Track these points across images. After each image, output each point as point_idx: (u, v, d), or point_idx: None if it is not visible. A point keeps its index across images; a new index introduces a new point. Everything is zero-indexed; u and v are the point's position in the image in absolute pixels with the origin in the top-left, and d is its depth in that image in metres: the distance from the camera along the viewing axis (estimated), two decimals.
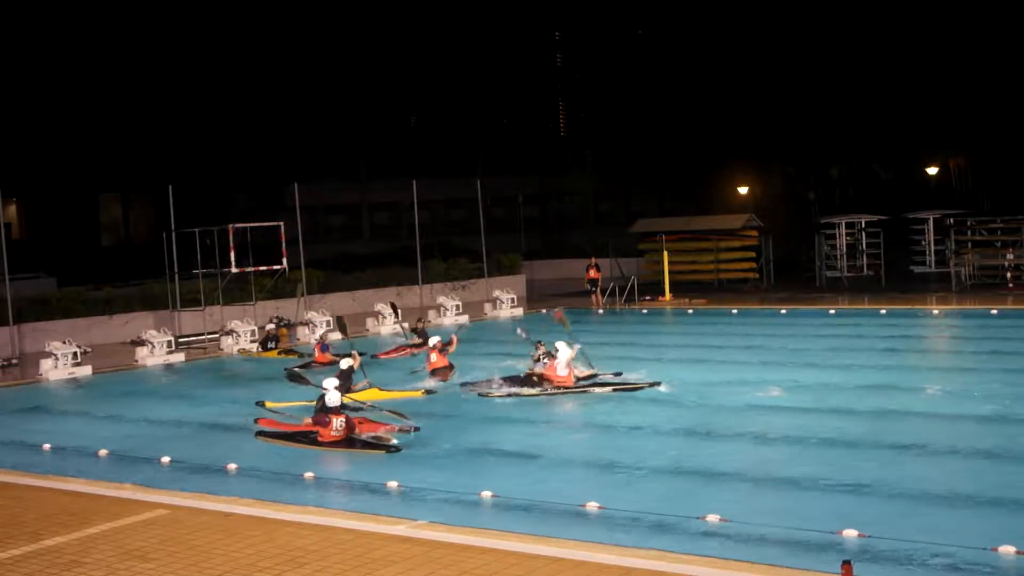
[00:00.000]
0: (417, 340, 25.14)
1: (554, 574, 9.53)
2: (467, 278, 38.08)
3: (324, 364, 23.64)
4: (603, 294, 34.17)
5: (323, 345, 24.55)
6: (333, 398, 15.60)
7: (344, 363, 19.41)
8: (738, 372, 20.21)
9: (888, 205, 42.18)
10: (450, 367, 21.29)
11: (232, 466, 14.52)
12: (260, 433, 16.56)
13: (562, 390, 18.86)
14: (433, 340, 21.81)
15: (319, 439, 15.45)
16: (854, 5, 51.84)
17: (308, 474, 13.82)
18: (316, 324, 29.04)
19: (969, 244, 35.69)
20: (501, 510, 11.89)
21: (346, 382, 18.97)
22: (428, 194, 45.35)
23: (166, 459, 15.15)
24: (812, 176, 51.11)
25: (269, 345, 26.86)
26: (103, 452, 15.92)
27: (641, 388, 18.86)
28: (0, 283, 27.52)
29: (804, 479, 12.54)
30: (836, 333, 25.35)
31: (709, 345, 24.41)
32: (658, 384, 18.98)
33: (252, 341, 27.73)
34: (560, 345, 19.22)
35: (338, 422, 15.34)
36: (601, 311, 33.26)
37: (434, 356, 21.36)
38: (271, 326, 27.72)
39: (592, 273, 34.44)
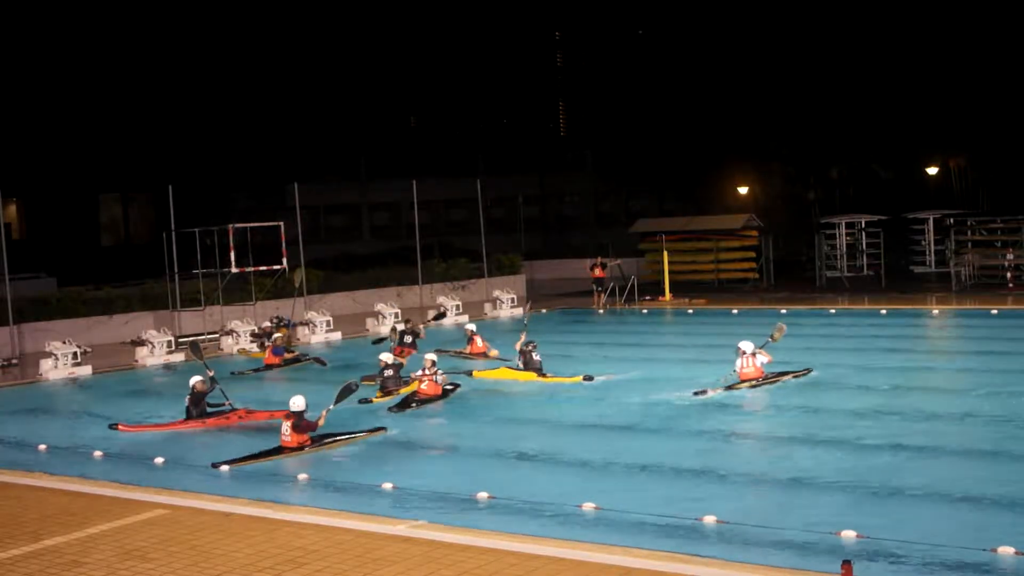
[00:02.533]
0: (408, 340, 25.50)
1: (554, 574, 9.53)
2: (467, 278, 38.08)
3: (274, 367, 23.77)
4: (605, 293, 34.12)
5: (276, 348, 24.53)
6: (297, 402, 15.37)
7: (386, 357, 19.98)
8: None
9: (888, 205, 42.13)
10: (486, 352, 23.20)
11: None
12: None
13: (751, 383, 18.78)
14: (471, 326, 24.60)
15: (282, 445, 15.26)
16: (854, 5, 51.81)
17: (307, 475, 13.82)
18: (316, 324, 29.07)
19: (969, 244, 35.67)
20: (501, 510, 11.89)
21: (394, 377, 19.53)
22: (428, 194, 45.33)
23: (165, 459, 15.15)
24: (812, 176, 51.05)
25: (267, 344, 26.82)
26: (102, 452, 15.92)
27: (797, 375, 19.18)
28: (0, 283, 27.53)
29: (804, 479, 12.54)
30: (835, 333, 25.34)
31: (707, 345, 24.39)
32: (810, 371, 19.43)
33: (252, 341, 27.72)
34: (745, 344, 19.12)
35: (284, 426, 15.19)
36: (601, 311, 33.23)
37: (479, 341, 23.60)
38: (267, 324, 27.68)
39: (598, 272, 34.40)
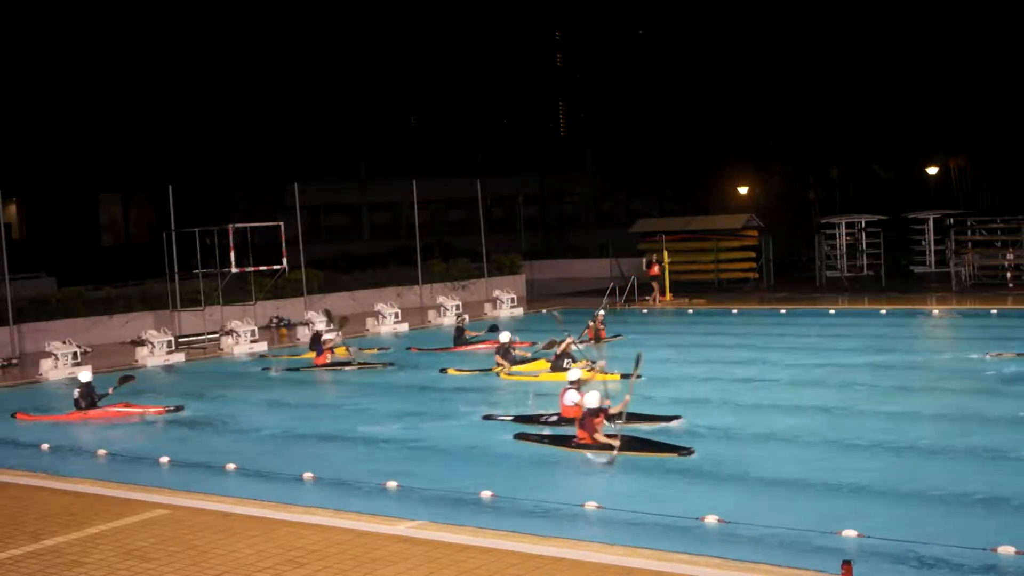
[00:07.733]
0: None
1: (554, 574, 9.53)
2: (467, 278, 38.09)
3: (323, 366, 23.71)
4: (657, 290, 33.87)
5: (318, 347, 24.38)
6: (592, 399, 14.64)
7: (504, 336, 21.32)
8: (737, 371, 20.21)
9: (888, 205, 42.13)
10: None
11: (232, 466, 14.52)
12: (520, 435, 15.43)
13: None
14: (600, 312, 24.83)
15: (578, 441, 14.58)
16: (854, 5, 51.85)
17: (308, 474, 13.81)
18: (316, 324, 29.04)
19: (969, 244, 35.68)
20: (501, 510, 11.89)
21: (506, 356, 20.88)
22: (428, 194, 45.36)
23: (166, 459, 15.16)
24: (812, 176, 51.08)
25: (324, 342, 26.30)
26: (103, 452, 15.93)
27: None
28: (0, 283, 27.52)
29: (804, 479, 12.53)
30: (836, 333, 25.34)
31: (706, 345, 24.43)
32: None
33: (253, 341, 27.62)
34: None
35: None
36: (644, 311, 32.76)
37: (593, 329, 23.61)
38: (320, 328, 27.06)
39: (655, 270, 34.26)
